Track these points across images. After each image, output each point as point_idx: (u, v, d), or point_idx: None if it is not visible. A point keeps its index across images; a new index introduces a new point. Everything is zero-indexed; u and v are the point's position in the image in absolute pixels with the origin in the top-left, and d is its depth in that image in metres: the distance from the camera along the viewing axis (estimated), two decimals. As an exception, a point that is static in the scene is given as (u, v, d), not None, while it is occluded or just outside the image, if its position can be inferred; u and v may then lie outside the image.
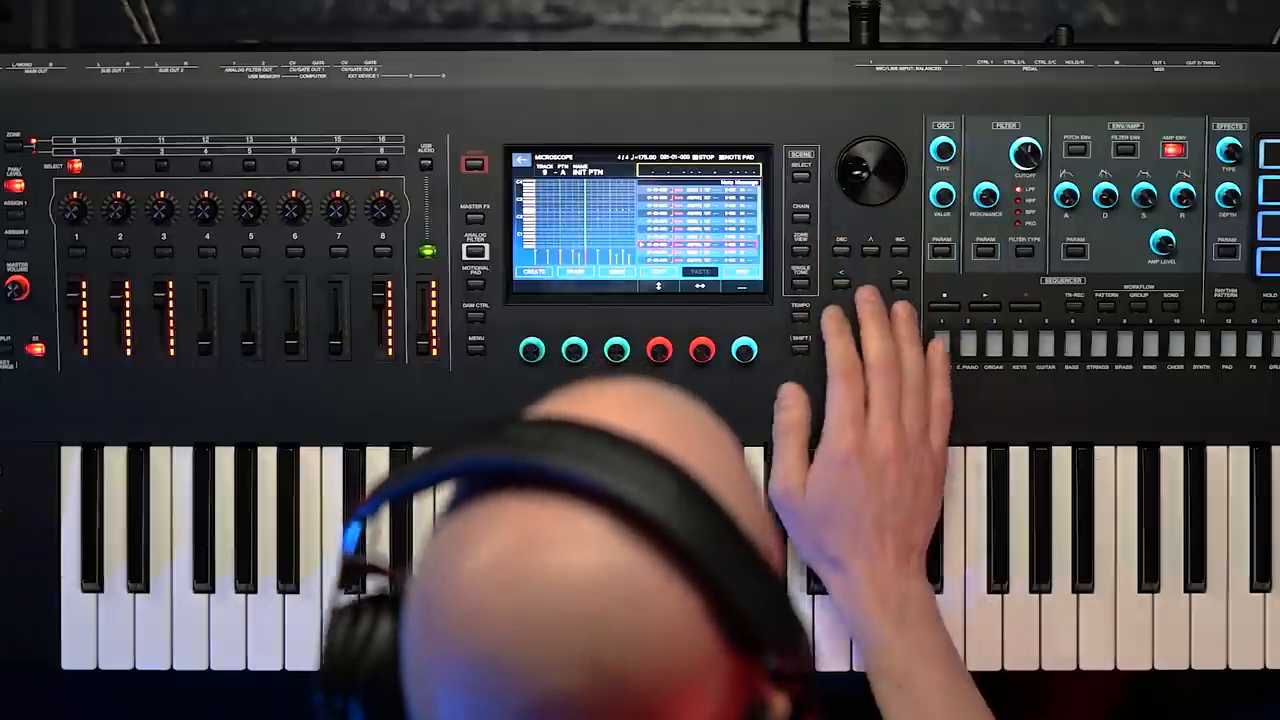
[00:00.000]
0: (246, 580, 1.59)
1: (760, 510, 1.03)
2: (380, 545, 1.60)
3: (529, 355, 1.57)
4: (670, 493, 0.94)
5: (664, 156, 1.57)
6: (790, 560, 1.58)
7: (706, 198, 1.58)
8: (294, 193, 1.56)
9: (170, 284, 1.57)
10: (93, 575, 1.59)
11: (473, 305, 1.57)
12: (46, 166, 1.56)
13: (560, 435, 0.96)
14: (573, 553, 0.94)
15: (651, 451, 0.96)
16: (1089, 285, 1.57)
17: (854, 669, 1.57)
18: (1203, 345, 1.57)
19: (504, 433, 0.98)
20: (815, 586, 1.57)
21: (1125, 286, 1.57)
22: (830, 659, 1.58)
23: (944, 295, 1.57)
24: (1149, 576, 1.59)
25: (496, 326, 1.57)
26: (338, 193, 1.56)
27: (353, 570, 1.08)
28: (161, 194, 1.56)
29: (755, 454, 1.58)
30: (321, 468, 1.60)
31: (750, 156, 1.57)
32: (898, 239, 1.57)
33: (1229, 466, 1.59)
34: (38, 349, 1.57)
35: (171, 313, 1.57)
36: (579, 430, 0.97)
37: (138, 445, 1.59)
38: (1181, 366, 1.57)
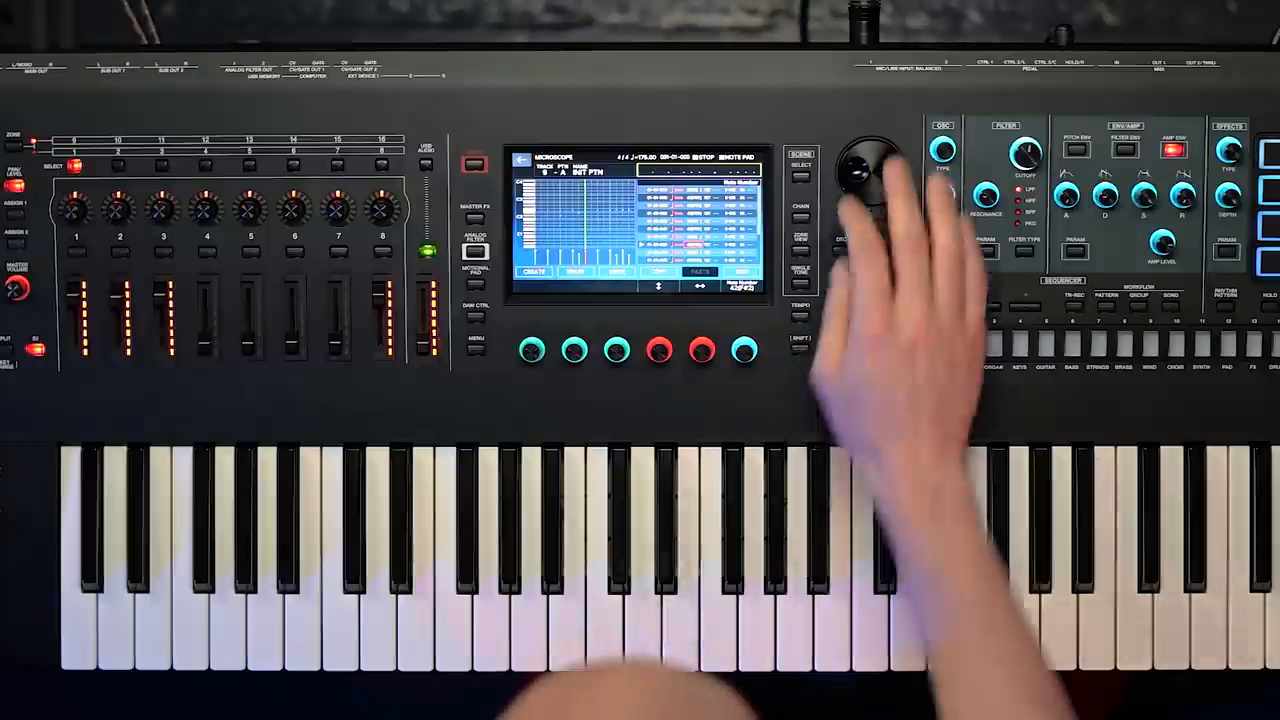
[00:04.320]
0: (246, 580, 1.59)
1: None
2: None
3: (529, 355, 1.57)
4: None
5: (664, 156, 1.57)
6: (794, 569, 1.58)
7: (706, 198, 1.58)
8: (294, 193, 1.56)
9: (170, 284, 1.57)
10: (93, 575, 1.59)
11: (473, 305, 1.57)
12: (46, 166, 1.56)
13: None
14: None
15: None
16: (1089, 285, 1.57)
17: (854, 669, 1.57)
18: (1203, 345, 1.57)
19: None
20: (816, 587, 1.57)
21: (1125, 286, 1.57)
22: (831, 659, 1.58)
23: (944, 295, 1.57)
24: (1149, 576, 1.59)
25: (496, 326, 1.57)
26: (338, 193, 1.56)
27: None
28: (161, 194, 1.56)
29: (756, 454, 1.58)
30: (321, 468, 1.60)
31: (750, 156, 1.57)
32: (898, 239, 1.56)
33: (1229, 466, 1.59)
34: (38, 349, 1.57)
35: (171, 313, 1.57)
36: None
37: (138, 445, 1.59)
38: (1181, 366, 1.57)
